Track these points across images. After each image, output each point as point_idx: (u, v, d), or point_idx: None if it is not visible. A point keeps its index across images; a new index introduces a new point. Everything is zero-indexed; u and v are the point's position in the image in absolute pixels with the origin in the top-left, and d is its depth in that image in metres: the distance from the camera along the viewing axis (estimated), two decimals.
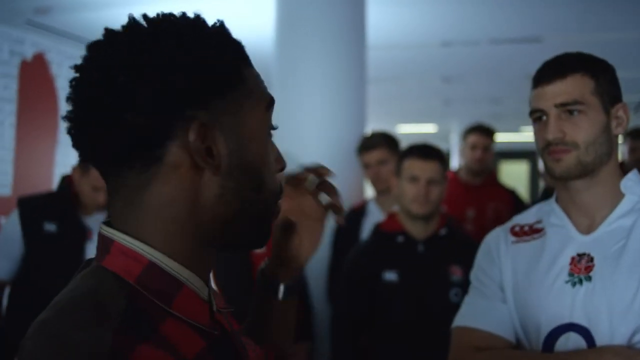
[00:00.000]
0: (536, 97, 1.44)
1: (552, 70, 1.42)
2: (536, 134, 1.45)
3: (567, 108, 1.39)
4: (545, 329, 1.39)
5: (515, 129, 13.13)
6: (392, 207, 2.76)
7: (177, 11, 0.80)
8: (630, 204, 1.41)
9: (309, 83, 3.33)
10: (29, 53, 4.29)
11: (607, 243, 1.39)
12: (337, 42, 3.36)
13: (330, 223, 3.31)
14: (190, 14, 0.79)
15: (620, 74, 1.46)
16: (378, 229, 2.59)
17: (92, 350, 0.64)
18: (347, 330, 2.57)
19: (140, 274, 0.73)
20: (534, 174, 15.63)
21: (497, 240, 1.56)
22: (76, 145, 0.77)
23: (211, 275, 0.85)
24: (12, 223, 2.69)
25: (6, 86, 4.12)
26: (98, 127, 0.73)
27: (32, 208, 2.73)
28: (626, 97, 1.46)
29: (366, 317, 2.49)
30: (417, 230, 2.49)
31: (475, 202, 3.85)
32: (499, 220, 3.49)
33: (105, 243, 0.76)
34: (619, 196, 1.42)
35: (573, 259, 1.41)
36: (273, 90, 0.86)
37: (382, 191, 3.23)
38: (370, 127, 3.67)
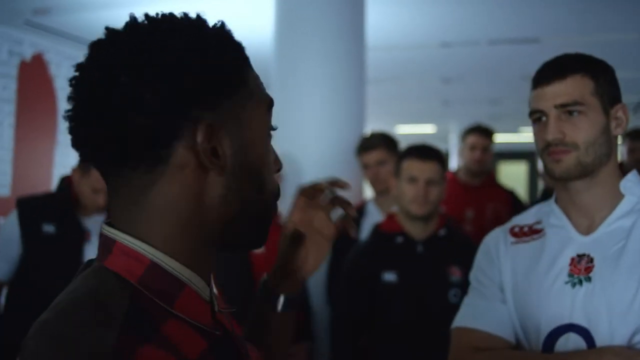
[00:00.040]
0: (536, 97, 1.44)
1: (551, 71, 1.42)
2: (536, 134, 1.45)
3: (567, 109, 1.39)
4: (545, 330, 1.39)
5: (514, 130, 13.14)
6: (391, 207, 2.76)
7: (176, 11, 0.80)
8: (629, 204, 1.41)
9: (309, 83, 3.33)
10: (27, 53, 4.29)
11: (607, 244, 1.39)
12: (337, 42, 3.36)
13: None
14: (192, 15, 0.79)
15: (619, 75, 1.46)
16: (377, 229, 2.59)
17: (95, 351, 0.63)
18: (347, 331, 2.57)
19: (143, 274, 0.73)
20: (533, 175, 15.64)
21: (496, 240, 1.56)
22: (77, 145, 0.77)
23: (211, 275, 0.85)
24: (11, 224, 2.68)
25: (5, 86, 4.12)
26: (102, 127, 0.72)
27: (31, 209, 2.72)
28: (625, 97, 1.46)
29: (366, 317, 2.49)
30: (416, 231, 2.49)
31: (474, 203, 3.85)
32: (498, 220, 3.50)
33: (107, 243, 0.76)
34: (619, 197, 1.42)
35: (573, 259, 1.41)
36: (272, 90, 0.87)
37: (381, 192, 3.23)
38: (369, 128, 3.67)
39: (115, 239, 0.75)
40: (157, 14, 0.78)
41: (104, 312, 0.67)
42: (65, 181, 2.82)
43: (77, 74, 0.76)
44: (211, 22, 0.80)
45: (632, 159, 3.90)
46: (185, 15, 0.79)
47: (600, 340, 1.33)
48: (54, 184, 4.22)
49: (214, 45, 0.77)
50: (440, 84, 8.50)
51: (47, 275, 2.58)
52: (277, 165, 0.87)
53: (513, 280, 1.49)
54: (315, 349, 3.09)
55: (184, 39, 0.75)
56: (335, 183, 1.14)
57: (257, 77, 0.84)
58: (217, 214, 0.78)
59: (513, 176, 14.69)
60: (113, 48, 0.74)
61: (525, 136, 13.67)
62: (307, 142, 3.29)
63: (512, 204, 3.89)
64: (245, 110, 0.80)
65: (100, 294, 0.70)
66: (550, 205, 1.52)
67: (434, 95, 9.66)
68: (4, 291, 2.78)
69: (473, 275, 1.59)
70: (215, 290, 0.85)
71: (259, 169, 0.81)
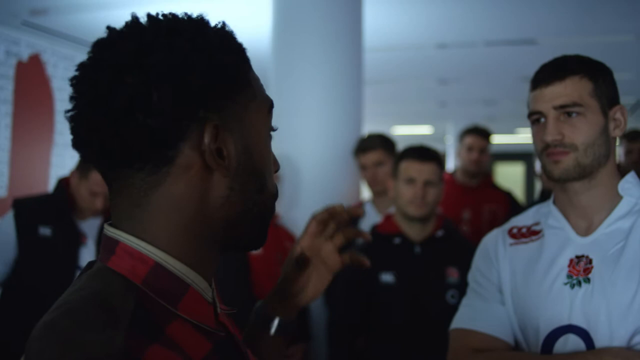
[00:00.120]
0: (534, 99, 1.44)
1: (550, 73, 1.42)
2: (534, 135, 1.46)
3: (566, 110, 1.39)
4: (544, 331, 1.39)
5: (510, 131, 13.16)
6: (389, 208, 2.77)
7: (174, 12, 0.79)
8: (628, 206, 1.41)
9: (306, 85, 3.33)
10: (24, 54, 4.28)
11: (606, 245, 1.39)
12: (334, 44, 3.36)
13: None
14: (194, 15, 0.79)
15: (616, 76, 1.46)
16: (375, 230, 2.59)
17: (105, 351, 0.63)
18: (344, 332, 2.57)
19: (147, 275, 0.73)
20: (530, 176, 15.67)
21: (495, 242, 1.56)
22: (79, 146, 0.76)
23: None
24: (7, 225, 2.67)
25: (2, 87, 4.11)
26: (106, 128, 0.72)
27: (28, 210, 2.71)
28: (622, 99, 1.46)
29: (363, 318, 2.49)
30: (414, 232, 2.49)
31: (471, 204, 3.86)
32: (495, 221, 3.52)
33: (109, 244, 0.76)
34: (617, 198, 1.42)
35: (571, 260, 1.41)
36: (270, 92, 0.87)
37: (379, 193, 3.24)
38: (367, 129, 3.67)
39: (118, 240, 0.75)
40: (157, 14, 0.78)
41: (111, 313, 0.67)
42: (62, 183, 2.80)
43: (78, 73, 0.75)
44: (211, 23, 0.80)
45: (629, 160, 3.91)
46: (188, 15, 0.79)
47: (600, 341, 1.33)
48: (50, 185, 4.21)
49: (217, 45, 0.76)
50: (437, 85, 8.51)
51: (42, 278, 2.57)
52: (276, 166, 0.87)
53: (512, 282, 1.49)
54: (312, 349, 3.09)
55: (188, 39, 0.74)
56: (349, 211, 1.15)
57: (258, 79, 0.84)
58: (220, 215, 0.77)
59: (510, 177, 14.71)
60: (117, 48, 0.74)
61: (522, 137, 13.70)
62: (305, 143, 3.29)
63: (509, 205, 3.90)
64: (248, 111, 0.80)
65: (106, 294, 0.69)
66: (549, 206, 1.52)
67: (431, 96, 9.68)
68: None
69: (471, 277, 1.59)
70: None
71: (260, 169, 0.81)
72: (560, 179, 1.41)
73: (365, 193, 3.55)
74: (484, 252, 1.58)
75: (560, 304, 1.38)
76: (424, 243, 2.48)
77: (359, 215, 1.19)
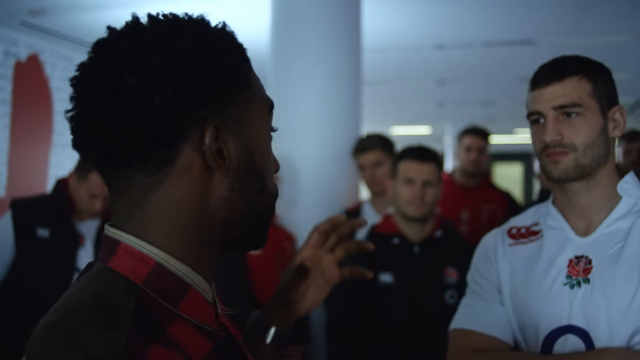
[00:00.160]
0: (534, 99, 1.44)
1: (549, 73, 1.42)
2: (534, 136, 1.46)
3: (565, 110, 1.39)
4: (544, 331, 1.40)
5: (508, 131, 13.17)
6: (387, 209, 2.77)
7: (175, 12, 0.79)
8: (627, 206, 1.41)
9: (305, 85, 3.33)
10: (23, 54, 4.28)
11: (605, 245, 1.39)
12: (333, 44, 3.36)
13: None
14: (194, 15, 0.79)
15: (614, 76, 1.46)
16: (373, 230, 2.59)
17: (106, 352, 0.63)
18: (343, 332, 2.57)
19: (148, 276, 0.73)
20: (528, 176, 15.68)
21: (494, 242, 1.56)
22: (80, 146, 0.76)
23: None
24: (5, 226, 2.66)
25: (0, 87, 4.11)
26: (107, 128, 0.71)
27: (26, 211, 2.69)
28: (620, 99, 1.46)
29: (362, 318, 2.49)
30: (413, 232, 2.49)
31: (470, 204, 3.86)
32: (493, 222, 3.52)
33: (110, 244, 0.76)
34: (616, 198, 1.43)
35: (571, 261, 1.41)
36: (269, 92, 0.87)
37: (377, 193, 3.24)
38: (365, 129, 3.67)
39: (119, 240, 0.75)
40: (158, 14, 0.78)
41: (112, 313, 0.67)
42: (61, 184, 2.80)
43: (79, 73, 0.75)
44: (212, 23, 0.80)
45: (627, 161, 3.91)
46: (189, 15, 0.79)
47: (599, 341, 1.33)
48: (49, 185, 4.21)
49: (218, 46, 0.76)
50: (435, 85, 8.52)
51: (39, 280, 2.57)
52: (276, 166, 0.87)
53: (511, 282, 1.49)
54: (311, 350, 3.09)
55: (189, 39, 0.74)
56: (352, 224, 1.17)
57: (258, 79, 0.84)
58: (220, 215, 0.77)
59: (508, 177, 14.72)
60: (117, 48, 0.73)
61: (519, 138, 13.71)
62: (304, 143, 3.29)
63: (507, 206, 3.90)
64: (249, 112, 0.80)
65: (107, 295, 0.69)
66: (548, 206, 1.52)
67: (429, 97, 9.68)
68: None
69: (470, 277, 1.59)
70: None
71: (261, 170, 0.81)
72: (560, 179, 1.41)
73: (364, 193, 3.55)
74: (483, 252, 1.58)
75: (560, 304, 1.38)
76: (422, 243, 2.48)
77: (361, 227, 1.21)
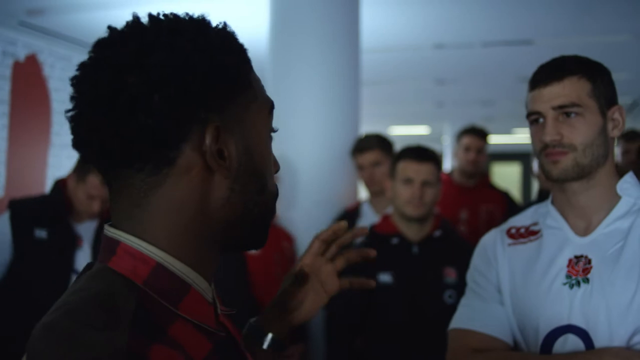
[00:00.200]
0: (533, 99, 1.44)
1: (549, 73, 1.42)
2: (533, 136, 1.46)
3: (565, 110, 1.39)
4: (543, 331, 1.40)
5: (507, 131, 13.17)
6: (386, 208, 2.77)
7: (176, 12, 0.79)
8: (626, 206, 1.41)
9: (303, 85, 3.33)
10: (21, 54, 4.28)
11: (605, 245, 1.39)
12: (332, 44, 3.36)
13: (326, 220, 3.25)
14: (195, 15, 0.79)
15: (612, 76, 1.46)
16: (372, 230, 2.59)
17: (107, 351, 0.63)
18: (342, 332, 2.57)
19: (148, 276, 0.73)
20: (526, 176, 15.68)
21: (493, 242, 1.56)
22: (80, 145, 0.75)
23: None
24: (3, 226, 2.66)
25: None
26: (108, 128, 0.71)
27: (24, 212, 2.69)
28: (618, 98, 1.46)
29: (361, 318, 2.49)
30: (412, 232, 2.49)
31: (468, 204, 3.86)
32: (492, 222, 3.52)
33: (110, 244, 0.75)
34: (616, 198, 1.43)
35: (570, 260, 1.41)
36: (267, 92, 0.87)
37: (376, 193, 3.24)
38: (363, 129, 3.67)
39: (119, 240, 0.75)
40: (159, 14, 0.77)
41: (112, 313, 0.66)
42: (59, 184, 2.79)
43: (79, 73, 0.75)
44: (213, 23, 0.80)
45: (626, 160, 3.91)
46: (189, 15, 0.78)
47: (599, 341, 1.33)
48: (47, 185, 4.21)
49: (219, 46, 0.76)
50: (434, 85, 8.51)
51: (37, 281, 2.56)
52: (276, 167, 0.87)
53: (511, 282, 1.49)
54: (310, 349, 3.09)
55: (190, 39, 0.74)
56: (354, 233, 1.18)
57: (259, 80, 0.84)
58: (220, 216, 0.77)
59: (506, 177, 14.72)
60: (118, 48, 0.73)
61: (518, 137, 13.71)
62: (302, 143, 3.29)
63: (506, 205, 3.90)
64: (249, 112, 0.80)
65: (108, 295, 0.69)
66: (547, 206, 1.52)
67: (428, 97, 9.68)
68: None
69: (470, 276, 1.59)
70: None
71: (261, 170, 0.81)
72: (559, 179, 1.41)
73: (363, 193, 3.55)
74: (483, 252, 1.57)
75: (560, 304, 1.38)
76: (421, 243, 2.48)
77: (363, 235, 1.22)
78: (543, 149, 1.41)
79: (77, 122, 0.74)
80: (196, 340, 0.73)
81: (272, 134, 0.87)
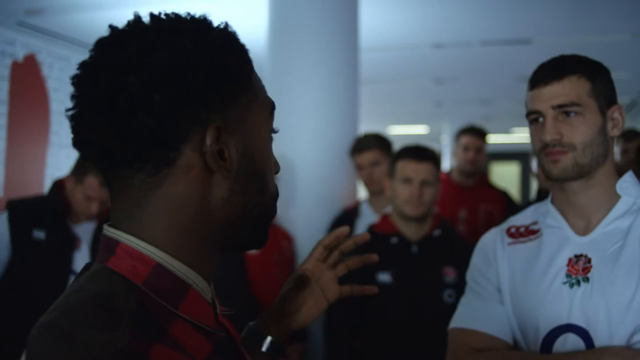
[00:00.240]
0: (533, 98, 1.44)
1: (548, 72, 1.42)
2: (533, 135, 1.46)
3: (564, 110, 1.39)
4: (543, 330, 1.40)
5: (506, 131, 13.17)
6: (385, 208, 2.77)
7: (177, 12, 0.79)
8: (626, 205, 1.41)
9: (302, 84, 3.33)
10: (20, 54, 4.27)
11: (604, 244, 1.39)
12: (330, 43, 3.36)
13: (325, 220, 3.24)
14: (196, 15, 0.79)
15: (611, 75, 1.46)
16: (372, 230, 2.59)
17: (108, 351, 0.62)
18: (341, 332, 2.56)
19: (148, 276, 0.72)
20: (525, 175, 15.69)
21: (493, 241, 1.56)
22: (80, 145, 0.75)
23: None
24: (1, 227, 2.65)
25: None
26: (108, 127, 0.71)
27: (22, 213, 2.68)
28: (617, 98, 1.46)
29: (360, 318, 2.49)
30: (411, 232, 2.49)
31: (467, 203, 3.86)
32: (491, 221, 3.52)
33: (109, 244, 0.75)
34: (615, 198, 1.43)
35: (570, 260, 1.41)
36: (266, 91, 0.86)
37: (375, 192, 3.24)
38: (362, 128, 3.67)
39: (119, 240, 0.74)
40: (160, 14, 0.77)
41: (114, 313, 0.66)
42: (57, 185, 2.78)
43: (80, 72, 0.75)
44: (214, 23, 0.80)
45: (625, 160, 3.92)
46: (191, 15, 0.78)
47: (599, 340, 1.33)
48: (46, 185, 4.20)
49: (220, 46, 0.76)
50: (433, 84, 8.52)
51: (35, 282, 2.56)
52: (276, 167, 0.87)
53: (511, 281, 1.49)
54: (310, 349, 3.09)
55: (191, 39, 0.74)
56: (356, 239, 1.19)
57: (260, 80, 0.84)
58: (220, 216, 0.77)
59: (505, 177, 14.73)
60: (119, 48, 0.73)
61: (517, 137, 13.72)
62: (301, 142, 3.29)
63: (505, 205, 3.90)
64: (250, 113, 0.79)
65: (108, 294, 0.69)
66: (547, 205, 1.52)
67: (426, 96, 9.68)
68: None
69: (470, 276, 1.59)
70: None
71: (262, 171, 0.81)
72: (559, 178, 1.41)
73: (362, 193, 3.55)
74: (482, 251, 1.57)
75: (560, 303, 1.38)
76: (421, 242, 2.48)
77: (365, 241, 1.23)
78: (543, 148, 1.41)
79: (77, 122, 0.74)
80: (196, 341, 0.73)
81: (273, 135, 0.86)
